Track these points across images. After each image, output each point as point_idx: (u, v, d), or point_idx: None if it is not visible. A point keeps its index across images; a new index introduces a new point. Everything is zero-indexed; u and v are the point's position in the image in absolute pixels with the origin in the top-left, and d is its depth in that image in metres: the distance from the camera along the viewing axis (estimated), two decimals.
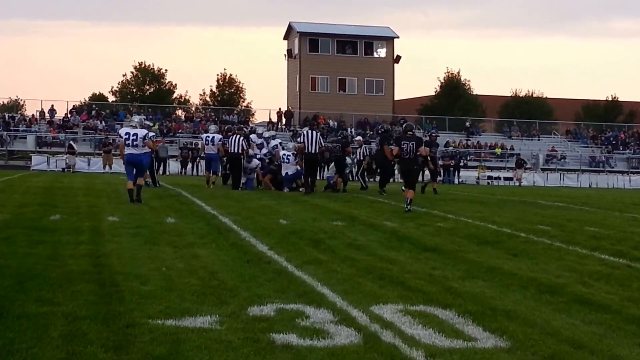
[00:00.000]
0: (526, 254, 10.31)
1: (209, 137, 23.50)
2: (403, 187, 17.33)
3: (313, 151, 22.09)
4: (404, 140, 16.79)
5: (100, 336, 5.39)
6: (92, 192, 19.88)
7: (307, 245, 10.44)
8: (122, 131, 17.09)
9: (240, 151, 22.45)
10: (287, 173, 22.68)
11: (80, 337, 5.34)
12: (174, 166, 41.84)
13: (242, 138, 22.87)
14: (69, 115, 52.49)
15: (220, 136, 24.15)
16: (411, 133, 17.21)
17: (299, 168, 22.61)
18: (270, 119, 57.35)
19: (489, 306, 6.84)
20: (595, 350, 5.52)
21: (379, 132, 26.39)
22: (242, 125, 38.10)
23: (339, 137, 26.48)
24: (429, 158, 22.47)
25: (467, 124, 58.71)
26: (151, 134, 21.04)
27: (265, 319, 6.07)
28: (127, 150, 16.36)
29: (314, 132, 23.02)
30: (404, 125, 18.20)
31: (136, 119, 17.45)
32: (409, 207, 16.03)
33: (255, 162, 23.19)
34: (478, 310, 6.62)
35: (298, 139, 23.95)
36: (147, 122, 22.72)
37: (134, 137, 16.27)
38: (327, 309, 6.47)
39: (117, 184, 23.36)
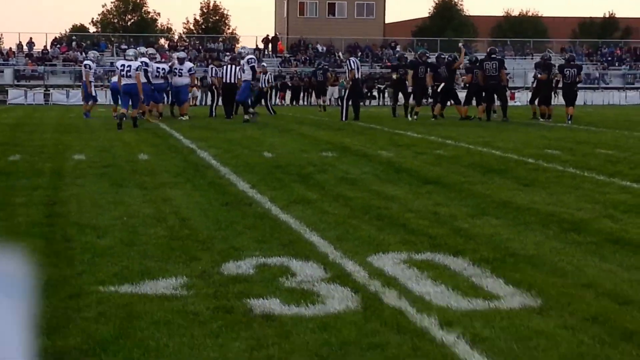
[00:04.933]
0: (539, 183, 9.23)
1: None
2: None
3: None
4: (566, 68, 21.67)
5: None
6: (63, 128, 18.62)
7: (293, 181, 9.32)
8: (119, 63, 18.97)
9: (235, 81, 22.29)
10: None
11: None
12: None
13: (237, 68, 22.46)
14: (49, 48, 50.74)
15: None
16: (573, 62, 22.24)
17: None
18: (257, 45, 55.65)
19: (507, 251, 5.76)
20: None
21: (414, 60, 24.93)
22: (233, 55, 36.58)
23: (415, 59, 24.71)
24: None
25: (460, 44, 57.06)
26: (189, 65, 23.06)
27: (243, 279, 4.99)
28: (123, 81, 18.28)
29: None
30: (567, 56, 24.25)
31: (131, 52, 19.27)
32: (569, 121, 20.68)
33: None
34: (496, 257, 5.54)
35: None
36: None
37: (128, 69, 18.20)
38: (317, 263, 5.38)
39: (92, 117, 22.23)
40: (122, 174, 9.81)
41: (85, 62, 23.41)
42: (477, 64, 22.73)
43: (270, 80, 28.21)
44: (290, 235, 6.28)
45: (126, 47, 52.66)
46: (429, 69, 23.00)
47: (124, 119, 17.91)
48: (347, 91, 23.24)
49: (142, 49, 22.52)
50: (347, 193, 8.41)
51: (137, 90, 18.19)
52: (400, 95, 24.55)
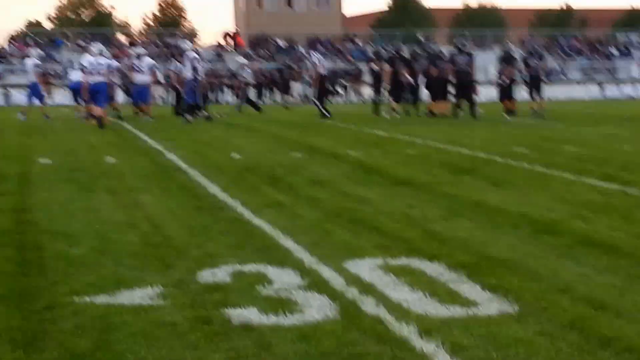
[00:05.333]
0: (508, 182, 9.29)
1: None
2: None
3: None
4: (529, 58, 22.11)
5: (11, 325, 4.23)
6: (26, 130, 18.33)
7: (264, 183, 9.28)
8: (85, 61, 18.56)
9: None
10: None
11: None
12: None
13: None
14: (5, 46, 49.83)
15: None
16: (535, 53, 23.02)
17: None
18: (218, 41, 55.31)
19: (482, 255, 5.78)
20: (620, 310, 4.47)
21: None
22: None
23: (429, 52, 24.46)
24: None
25: (420, 36, 57.27)
26: (150, 61, 22.27)
27: (219, 287, 4.95)
28: (91, 79, 18.04)
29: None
30: (528, 48, 24.31)
31: (95, 48, 18.87)
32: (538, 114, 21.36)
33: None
34: (471, 262, 5.55)
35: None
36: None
37: (100, 67, 18.04)
38: (293, 269, 5.35)
39: (53, 118, 21.90)
40: (90, 179, 9.69)
41: (36, 61, 23.24)
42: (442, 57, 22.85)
43: (246, 76, 28.32)
44: (264, 241, 6.25)
45: (84, 43, 52.17)
46: (403, 64, 22.86)
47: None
48: (315, 89, 23.26)
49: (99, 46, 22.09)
50: (318, 195, 8.40)
51: (105, 88, 18.07)
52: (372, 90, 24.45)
